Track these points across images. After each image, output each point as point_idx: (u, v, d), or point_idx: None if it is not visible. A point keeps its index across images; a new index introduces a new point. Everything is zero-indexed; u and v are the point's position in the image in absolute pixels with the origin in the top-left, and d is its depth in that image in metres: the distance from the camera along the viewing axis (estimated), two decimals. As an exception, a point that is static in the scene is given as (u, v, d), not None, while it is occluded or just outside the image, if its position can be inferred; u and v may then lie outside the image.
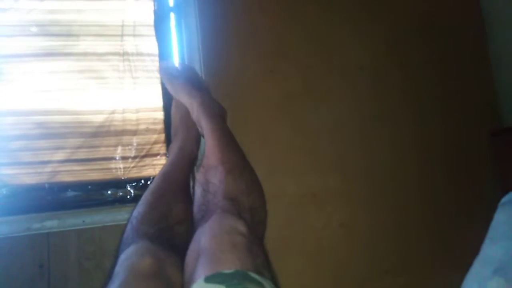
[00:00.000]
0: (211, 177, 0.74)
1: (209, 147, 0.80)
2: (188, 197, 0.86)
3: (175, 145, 0.97)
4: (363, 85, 1.22)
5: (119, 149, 1.10)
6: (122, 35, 1.14)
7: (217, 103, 0.96)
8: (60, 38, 1.10)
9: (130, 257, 0.61)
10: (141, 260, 0.59)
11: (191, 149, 0.95)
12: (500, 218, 0.64)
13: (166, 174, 0.86)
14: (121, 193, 1.08)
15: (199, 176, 0.79)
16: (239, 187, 0.71)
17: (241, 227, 0.60)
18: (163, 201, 0.78)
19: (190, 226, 0.78)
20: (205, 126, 0.85)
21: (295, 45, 1.20)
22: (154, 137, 1.13)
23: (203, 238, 0.60)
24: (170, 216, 0.76)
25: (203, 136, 0.93)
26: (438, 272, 1.13)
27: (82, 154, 1.07)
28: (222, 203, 0.67)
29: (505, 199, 0.68)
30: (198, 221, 0.70)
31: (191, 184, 1.06)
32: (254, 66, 1.16)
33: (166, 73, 1.02)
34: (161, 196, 0.79)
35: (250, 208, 0.69)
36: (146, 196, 0.80)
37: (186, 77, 1.00)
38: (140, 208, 0.76)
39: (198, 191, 0.76)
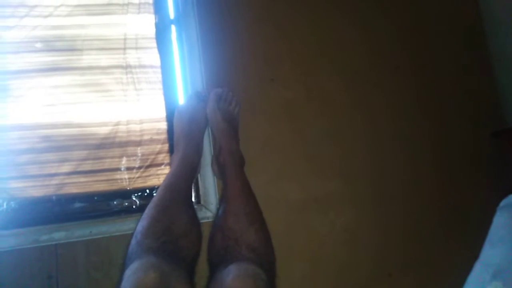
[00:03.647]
0: (231, 223, 0.80)
1: (232, 193, 0.88)
2: (190, 207, 0.88)
3: (177, 155, 0.98)
4: (362, 89, 1.23)
5: (124, 160, 1.12)
6: (124, 48, 1.16)
7: (241, 152, 1.02)
8: (64, 53, 1.13)
9: (135, 272, 0.62)
10: (146, 275, 0.61)
11: (192, 158, 0.97)
12: (499, 221, 0.65)
13: (168, 185, 0.88)
14: (126, 203, 1.10)
15: (218, 219, 0.84)
16: (259, 239, 0.77)
17: (263, 275, 0.65)
18: (166, 214, 0.80)
19: (194, 239, 0.80)
20: (229, 172, 0.93)
21: (294, 53, 1.22)
22: (158, 147, 1.15)
23: (228, 278, 0.63)
24: (174, 229, 0.78)
25: (219, 176, 1.03)
26: (440, 275, 1.14)
27: (88, 166, 1.09)
28: (245, 252, 0.73)
29: (503, 202, 0.69)
30: (217, 263, 0.74)
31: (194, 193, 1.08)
32: (255, 75, 1.18)
33: (216, 100, 1.05)
34: (164, 209, 0.81)
35: (268, 261, 0.74)
36: (149, 210, 0.81)
37: (231, 116, 1.06)
38: (143, 222, 0.78)
39: (217, 234, 0.80)
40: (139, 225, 0.78)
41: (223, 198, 0.91)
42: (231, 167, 0.94)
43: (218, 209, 0.97)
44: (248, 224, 0.79)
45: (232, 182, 0.90)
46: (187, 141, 1.00)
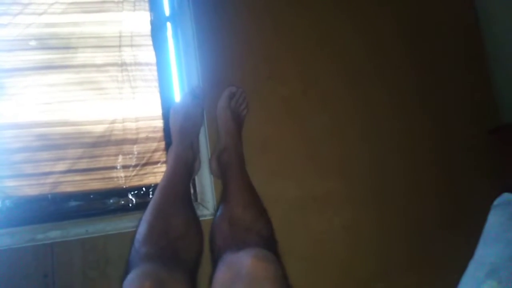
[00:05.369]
0: (241, 214, 0.83)
1: (239, 188, 0.91)
2: (188, 207, 0.87)
3: (172, 153, 0.99)
4: (361, 88, 1.22)
5: (120, 158, 1.11)
6: (120, 46, 1.15)
7: (243, 153, 1.04)
8: (59, 51, 1.12)
9: (131, 283, 0.63)
10: (141, 286, 0.61)
11: (186, 156, 0.97)
12: (492, 220, 0.65)
13: (164, 188, 0.88)
14: (123, 202, 1.10)
15: (224, 210, 0.87)
16: (267, 228, 0.82)
17: (277, 260, 0.67)
18: (162, 218, 0.80)
19: (193, 238, 0.80)
20: (235, 170, 0.96)
21: (292, 50, 1.21)
22: (154, 145, 1.14)
23: (247, 260, 0.64)
24: (170, 231, 0.78)
25: (217, 175, 1.06)
26: (438, 273, 1.14)
27: (83, 164, 1.09)
28: (256, 239, 0.76)
29: (497, 201, 0.69)
30: (224, 248, 0.75)
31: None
32: (252, 72, 1.18)
33: (229, 98, 1.08)
34: (160, 213, 0.81)
35: (274, 247, 0.78)
36: (146, 215, 0.81)
37: (239, 117, 1.09)
38: (141, 228, 0.79)
39: (223, 223, 0.83)
40: (137, 232, 0.79)
41: (225, 194, 0.92)
42: (236, 166, 0.96)
43: (219, 204, 0.97)
44: (258, 215, 0.83)
45: (238, 177, 0.93)
46: (180, 139, 1.00)
